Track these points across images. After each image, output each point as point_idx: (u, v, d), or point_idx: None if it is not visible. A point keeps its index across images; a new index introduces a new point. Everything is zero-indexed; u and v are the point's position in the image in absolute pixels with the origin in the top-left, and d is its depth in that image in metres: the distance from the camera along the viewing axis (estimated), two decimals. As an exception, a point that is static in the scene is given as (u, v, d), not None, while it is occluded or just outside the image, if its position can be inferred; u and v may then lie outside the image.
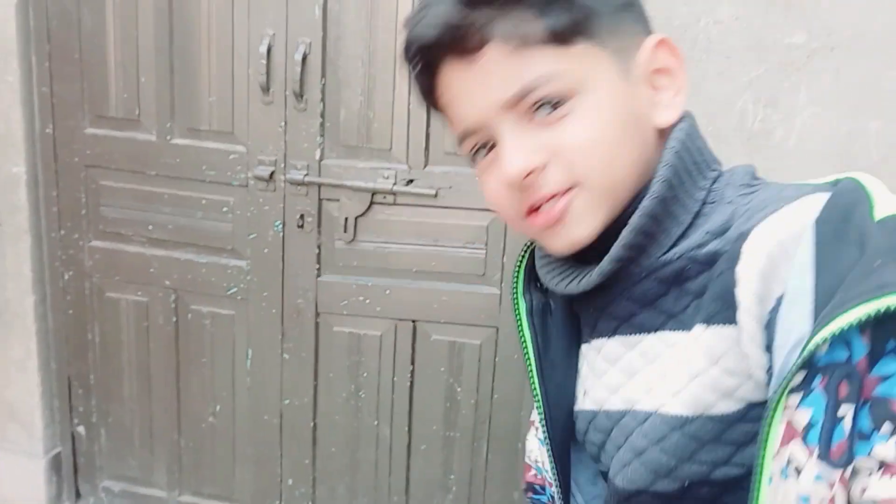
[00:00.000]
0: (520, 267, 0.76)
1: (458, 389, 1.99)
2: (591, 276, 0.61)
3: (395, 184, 1.86)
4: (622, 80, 0.60)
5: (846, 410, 0.44)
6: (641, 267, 0.60)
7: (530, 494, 0.90)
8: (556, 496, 0.74)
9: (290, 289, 1.98)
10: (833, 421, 0.44)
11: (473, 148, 0.63)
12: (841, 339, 0.44)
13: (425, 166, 1.86)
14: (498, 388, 1.97)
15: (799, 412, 0.46)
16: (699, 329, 0.55)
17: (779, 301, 0.49)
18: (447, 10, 0.58)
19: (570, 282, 0.63)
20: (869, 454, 0.43)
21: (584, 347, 0.71)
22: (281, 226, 1.94)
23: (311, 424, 2.07)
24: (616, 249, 0.59)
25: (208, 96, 1.92)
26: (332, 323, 2.00)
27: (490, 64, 0.57)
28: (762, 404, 0.52)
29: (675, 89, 0.63)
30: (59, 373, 2.21)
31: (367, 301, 1.96)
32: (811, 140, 1.56)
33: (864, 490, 0.44)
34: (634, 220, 0.59)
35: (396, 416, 2.03)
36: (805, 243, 0.48)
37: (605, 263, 0.60)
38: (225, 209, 1.98)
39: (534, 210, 0.60)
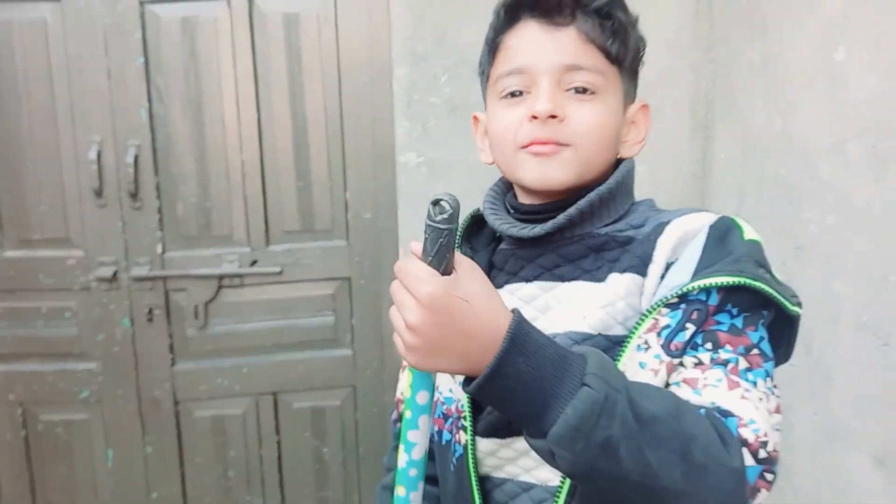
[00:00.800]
0: (462, 230, 0.99)
1: (325, 451, 2.11)
2: (546, 225, 0.83)
3: (240, 266, 1.97)
4: (620, 111, 0.87)
5: (689, 327, 0.73)
6: (575, 234, 0.85)
7: (399, 425, 1.07)
8: (459, 423, 0.89)
9: (146, 382, 2.01)
10: (679, 329, 0.73)
11: (506, 89, 0.85)
12: (706, 290, 0.73)
13: (267, 246, 1.99)
14: (362, 441, 2.10)
15: (664, 318, 0.74)
16: (614, 276, 0.80)
17: (673, 264, 0.78)
18: None
19: (524, 229, 0.85)
20: (694, 355, 0.73)
21: (499, 291, 0.90)
22: (129, 322, 1.98)
23: (183, 513, 2.08)
24: (571, 210, 0.83)
25: (38, 206, 1.93)
26: (192, 409, 2.04)
27: (567, 37, 0.83)
28: None
29: (638, 140, 0.90)
30: None
31: (226, 382, 2.03)
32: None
33: (679, 376, 0.73)
34: (591, 195, 0.83)
35: (268, 487, 2.10)
36: (701, 236, 0.77)
37: (561, 218, 0.83)
38: (67, 314, 1.98)
39: (533, 144, 0.83)
